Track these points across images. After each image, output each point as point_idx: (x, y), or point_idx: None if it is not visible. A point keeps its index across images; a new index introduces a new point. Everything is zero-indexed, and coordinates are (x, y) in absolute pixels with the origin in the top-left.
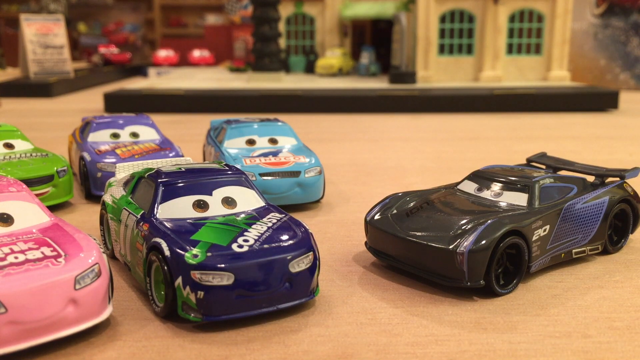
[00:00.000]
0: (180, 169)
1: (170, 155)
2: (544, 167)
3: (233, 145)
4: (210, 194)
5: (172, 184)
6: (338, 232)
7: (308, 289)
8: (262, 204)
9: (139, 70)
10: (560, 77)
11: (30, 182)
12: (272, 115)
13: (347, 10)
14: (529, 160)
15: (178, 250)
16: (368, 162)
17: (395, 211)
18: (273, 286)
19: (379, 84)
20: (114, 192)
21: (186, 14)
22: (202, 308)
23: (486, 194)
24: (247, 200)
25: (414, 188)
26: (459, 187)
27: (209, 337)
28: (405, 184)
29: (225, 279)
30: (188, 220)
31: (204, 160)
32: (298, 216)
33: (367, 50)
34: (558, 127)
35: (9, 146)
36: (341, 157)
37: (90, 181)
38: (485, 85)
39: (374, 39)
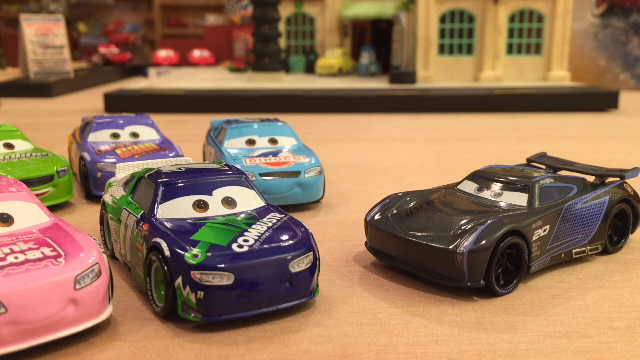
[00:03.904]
0: (180, 169)
1: (170, 155)
2: (544, 167)
3: (233, 145)
4: (210, 194)
5: (172, 184)
6: (338, 232)
7: (308, 289)
8: (262, 204)
9: (139, 70)
10: (560, 77)
11: (30, 182)
12: (272, 115)
13: (347, 10)
14: (529, 160)
15: (178, 250)
16: (368, 162)
17: (395, 211)
18: (273, 286)
19: (379, 84)
20: (114, 192)
21: (186, 14)
22: (202, 308)
23: (486, 194)
24: (247, 200)
25: (414, 188)
26: (459, 187)
27: (209, 337)
28: (405, 184)
29: (225, 279)
30: (188, 220)
31: (204, 160)
32: (298, 216)
33: (367, 50)
34: (558, 127)
35: (9, 146)
36: (341, 157)
37: (90, 181)
38: (485, 85)
39: (374, 39)
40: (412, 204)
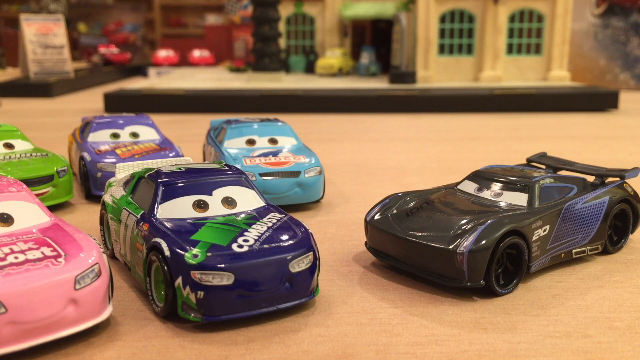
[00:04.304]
0: (180, 169)
1: (170, 155)
2: (544, 167)
3: (233, 145)
4: (210, 194)
5: (172, 184)
6: (338, 232)
7: (308, 289)
8: (262, 204)
9: (139, 70)
10: (560, 77)
11: (30, 182)
12: (272, 115)
13: (347, 10)
14: (529, 160)
15: (178, 250)
16: (368, 162)
17: (395, 211)
18: (273, 286)
19: (379, 84)
20: (114, 192)
21: (186, 14)
22: (202, 308)
23: (486, 194)
24: (247, 200)
25: (414, 188)
26: (459, 187)
27: (209, 337)
28: (405, 184)
29: (225, 279)
30: (188, 220)
31: (204, 160)
32: (298, 216)
33: (367, 50)
34: (558, 127)
35: (9, 146)
36: (341, 157)
37: (90, 181)
38: (485, 85)
39: (374, 39)
40: (412, 204)
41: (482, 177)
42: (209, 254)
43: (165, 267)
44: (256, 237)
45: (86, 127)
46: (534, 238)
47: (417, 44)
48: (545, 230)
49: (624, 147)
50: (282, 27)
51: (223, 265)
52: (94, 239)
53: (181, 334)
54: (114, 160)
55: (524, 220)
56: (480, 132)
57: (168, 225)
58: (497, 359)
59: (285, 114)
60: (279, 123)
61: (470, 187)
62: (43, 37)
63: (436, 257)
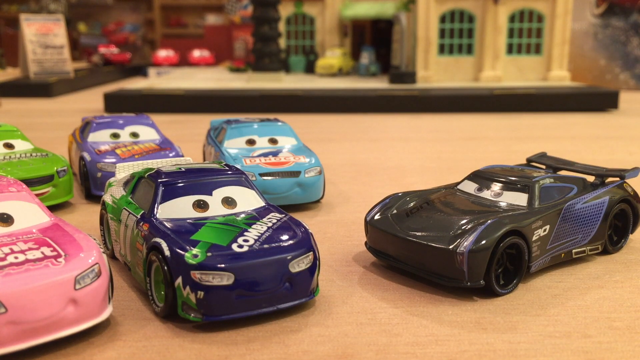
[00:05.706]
0: (180, 169)
1: (170, 155)
2: (544, 167)
3: (233, 145)
4: (210, 194)
5: (172, 184)
6: (338, 232)
7: (308, 289)
8: (262, 204)
9: (139, 70)
10: (560, 77)
11: (30, 182)
12: (272, 115)
13: (347, 10)
14: (529, 160)
15: (178, 250)
16: (368, 162)
17: (395, 211)
18: (273, 286)
19: (379, 84)
20: (114, 192)
21: (186, 14)
22: (202, 308)
23: (486, 194)
24: (247, 200)
25: (414, 188)
26: (459, 187)
27: (209, 337)
28: (405, 184)
29: (225, 279)
30: (188, 220)
31: (204, 160)
32: (298, 216)
33: (367, 50)
34: (558, 127)
35: (9, 146)
36: (341, 157)
37: (90, 181)
38: (485, 85)
39: (374, 39)
40: (412, 204)
41: (482, 177)
42: (209, 254)
43: (165, 267)
44: (256, 237)
45: (86, 127)
46: (534, 238)
47: (417, 44)
48: (545, 230)
49: (624, 147)
50: (282, 27)
51: (223, 265)
52: (94, 239)
53: (181, 334)
54: (114, 160)
55: (524, 220)
56: (480, 132)
57: (168, 225)
58: (497, 359)
59: (285, 114)
60: (279, 123)
61: (470, 187)
62: (43, 37)
63: (436, 257)
